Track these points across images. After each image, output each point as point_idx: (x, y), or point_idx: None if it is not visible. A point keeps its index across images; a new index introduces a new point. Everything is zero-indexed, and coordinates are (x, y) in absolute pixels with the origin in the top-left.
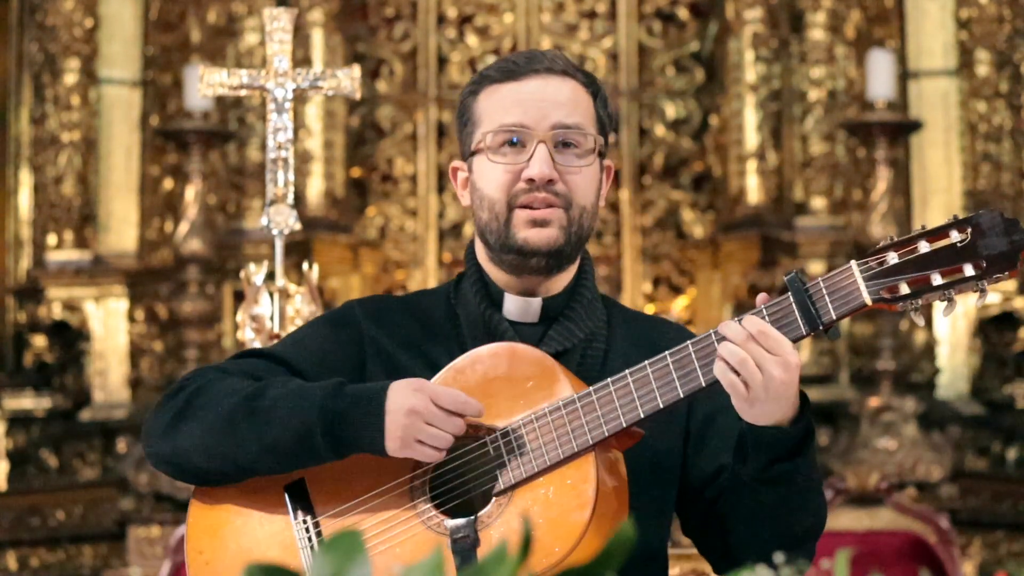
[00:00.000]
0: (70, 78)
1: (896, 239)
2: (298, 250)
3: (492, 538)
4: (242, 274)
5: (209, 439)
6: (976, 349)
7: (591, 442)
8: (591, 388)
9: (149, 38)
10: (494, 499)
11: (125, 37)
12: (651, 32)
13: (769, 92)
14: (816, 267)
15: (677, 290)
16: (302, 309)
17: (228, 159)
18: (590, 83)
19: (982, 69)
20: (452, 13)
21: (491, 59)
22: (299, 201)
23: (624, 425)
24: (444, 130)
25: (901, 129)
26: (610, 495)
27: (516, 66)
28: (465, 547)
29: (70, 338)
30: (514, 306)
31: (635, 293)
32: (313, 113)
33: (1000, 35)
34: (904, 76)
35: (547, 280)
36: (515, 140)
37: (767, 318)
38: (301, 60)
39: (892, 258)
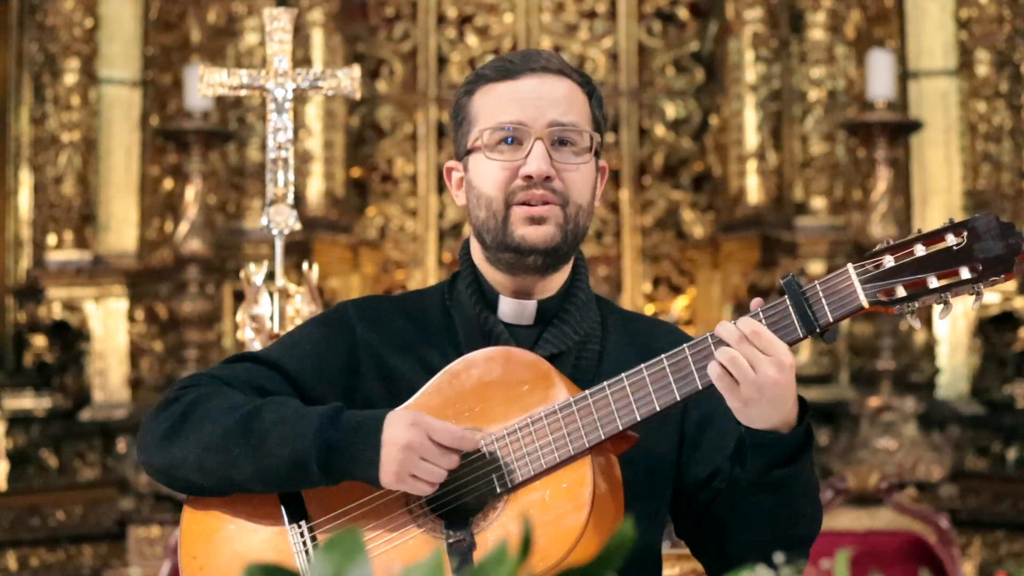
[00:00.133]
0: (70, 78)
1: (892, 242)
2: (298, 250)
3: (488, 541)
4: (242, 274)
5: (204, 455)
6: (976, 349)
7: (587, 446)
8: (587, 392)
9: (149, 38)
10: (490, 502)
11: (125, 37)
12: (651, 32)
13: (769, 92)
14: (816, 267)
15: (677, 290)
16: (302, 309)
17: (228, 159)
18: (585, 83)
19: (982, 69)
20: (452, 13)
21: (491, 59)
22: (299, 201)
23: (621, 429)
24: (444, 130)
25: (901, 129)
26: (606, 498)
27: (512, 65)
28: (462, 551)
29: (70, 338)
30: (509, 308)
31: (635, 293)
32: (313, 113)
33: (1000, 35)
34: (904, 76)
35: (542, 280)
36: (511, 139)
37: (764, 321)
38: (301, 60)
39: (888, 261)
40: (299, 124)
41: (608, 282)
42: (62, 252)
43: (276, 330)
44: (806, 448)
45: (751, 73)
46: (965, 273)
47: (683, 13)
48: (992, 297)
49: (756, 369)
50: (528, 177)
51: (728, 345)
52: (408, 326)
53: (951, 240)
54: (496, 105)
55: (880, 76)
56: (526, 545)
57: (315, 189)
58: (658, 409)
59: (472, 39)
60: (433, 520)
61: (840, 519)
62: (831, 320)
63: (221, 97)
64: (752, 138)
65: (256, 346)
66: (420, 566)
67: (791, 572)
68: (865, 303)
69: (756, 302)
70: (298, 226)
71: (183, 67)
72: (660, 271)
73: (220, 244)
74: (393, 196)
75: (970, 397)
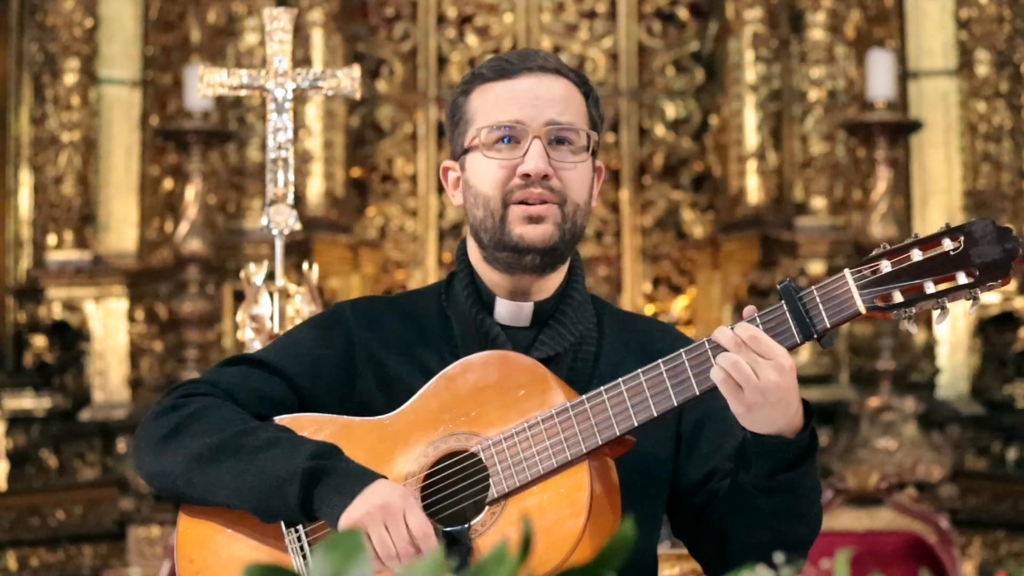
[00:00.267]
0: (70, 78)
1: (889, 247)
2: (298, 250)
3: (486, 546)
4: (242, 274)
5: (191, 467)
6: (976, 349)
7: (584, 451)
8: (584, 396)
9: (149, 38)
10: (487, 508)
11: (125, 37)
12: (651, 32)
13: (769, 92)
14: (816, 267)
15: (677, 290)
16: (302, 309)
17: (228, 159)
18: (582, 83)
19: (982, 69)
20: (452, 13)
21: (488, 58)
22: (299, 201)
23: (618, 434)
24: (444, 130)
25: (901, 129)
26: (603, 502)
27: (509, 64)
28: (459, 555)
29: (70, 338)
30: (506, 310)
31: (635, 293)
32: (313, 113)
33: (1000, 35)
34: (904, 76)
35: (539, 279)
36: (509, 138)
37: (761, 326)
38: (301, 60)
39: (885, 266)
40: (299, 124)
41: (608, 282)
42: (62, 252)
43: (276, 330)
44: (810, 453)
45: (751, 73)
46: (962, 278)
47: (683, 13)
48: (992, 297)
49: (757, 373)
50: (526, 175)
51: (727, 350)
52: (404, 327)
53: (948, 245)
54: (493, 104)
55: (880, 76)
56: (526, 545)
57: (315, 189)
58: (656, 415)
59: (472, 39)
60: (431, 525)
61: (840, 519)
62: (828, 326)
63: (221, 97)
64: (752, 138)
65: (256, 346)
66: (420, 566)
67: (791, 572)
68: (862, 309)
69: (749, 310)
70: (298, 226)
71: (183, 67)
72: (660, 271)
73: (220, 244)
74: (393, 196)
75: (970, 397)
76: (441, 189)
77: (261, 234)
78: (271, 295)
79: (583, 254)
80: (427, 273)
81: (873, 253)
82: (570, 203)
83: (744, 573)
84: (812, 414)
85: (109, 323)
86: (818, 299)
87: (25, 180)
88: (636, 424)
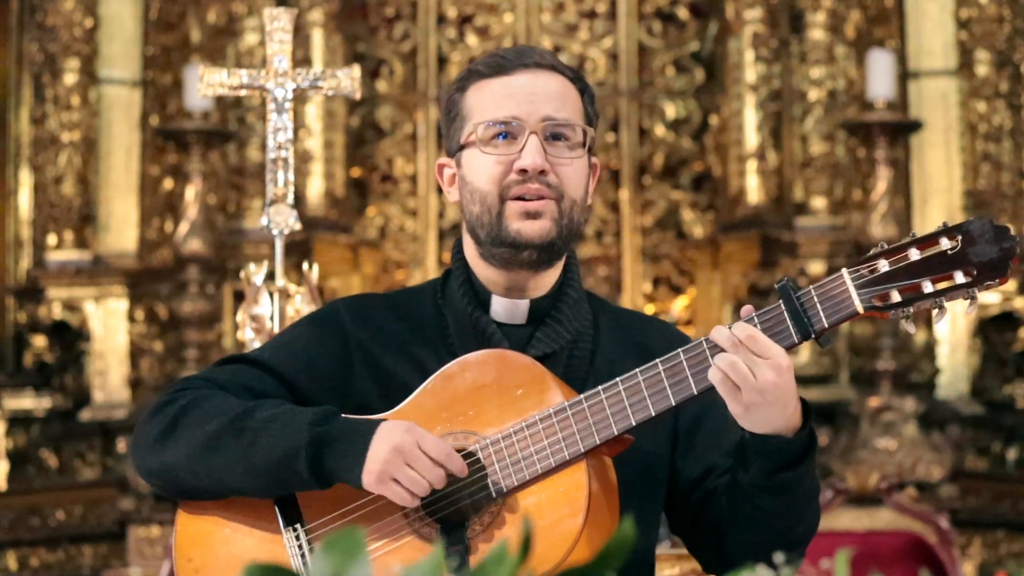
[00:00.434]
0: (70, 78)
1: (887, 247)
2: (298, 250)
3: (485, 546)
4: (242, 274)
5: (196, 456)
6: (976, 349)
7: (583, 450)
8: (582, 396)
9: (149, 38)
10: (486, 507)
11: (125, 37)
12: (651, 32)
13: (769, 92)
14: (816, 267)
15: (677, 290)
16: (302, 309)
17: (228, 159)
18: (577, 79)
19: (982, 69)
20: (452, 13)
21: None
22: (299, 201)
23: (616, 433)
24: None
25: (901, 129)
26: (602, 502)
27: (505, 60)
28: (458, 555)
29: (70, 338)
30: (502, 308)
31: (635, 293)
32: (313, 113)
33: (1000, 35)
34: (904, 76)
35: (535, 276)
36: (505, 134)
37: (759, 326)
38: (301, 60)
39: (883, 266)
40: (299, 124)
41: (608, 282)
42: (62, 252)
43: (276, 330)
44: (809, 452)
45: (751, 73)
46: (960, 278)
47: (683, 13)
48: (992, 297)
49: (754, 373)
50: (523, 171)
51: (724, 350)
52: (400, 325)
53: (945, 244)
54: (490, 100)
55: (880, 76)
56: (526, 545)
57: (315, 189)
58: (653, 414)
59: (472, 39)
60: (429, 525)
61: (840, 519)
62: (826, 325)
63: (221, 97)
64: (752, 138)
65: (256, 346)
66: (420, 566)
67: (791, 572)
68: (860, 308)
69: (747, 309)
70: (298, 226)
71: (183, 67)
72: (660, 271)
73: (220, 244)
74: (393, 196)
75: (970, 397)
76: (441, 189)
77: (261, 234)
78: (271, 295)
79: (583, 254)
80: (427, 273)
81: (871, 253)
82: (567, 199)
83: (744, 573)
84: (811, 413)
85: (109, 323)
86: (816, 299)
87: (25, 180)
88: (634, 424)
